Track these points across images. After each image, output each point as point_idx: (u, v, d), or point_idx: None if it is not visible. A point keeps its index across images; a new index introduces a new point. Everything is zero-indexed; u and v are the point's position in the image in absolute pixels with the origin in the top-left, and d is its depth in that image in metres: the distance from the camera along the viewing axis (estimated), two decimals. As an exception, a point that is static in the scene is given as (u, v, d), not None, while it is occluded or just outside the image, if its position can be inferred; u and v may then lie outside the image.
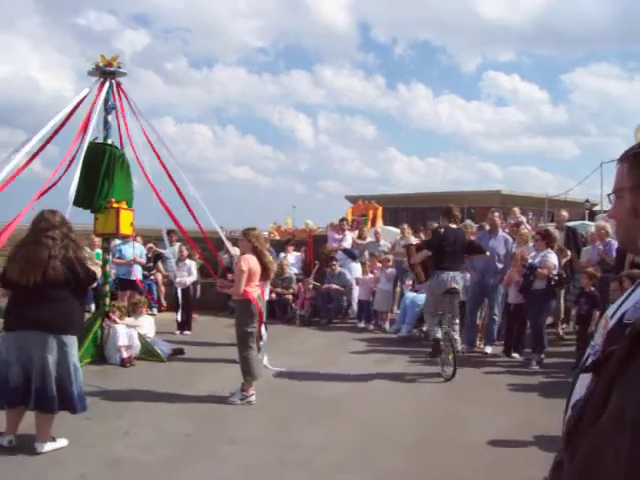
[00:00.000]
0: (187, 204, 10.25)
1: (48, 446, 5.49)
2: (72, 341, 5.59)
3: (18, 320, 5.43)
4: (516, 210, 14.52)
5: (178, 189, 10.16)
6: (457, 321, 9.28)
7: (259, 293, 7.45)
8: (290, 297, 13.78)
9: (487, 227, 11.13)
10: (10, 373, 5.39)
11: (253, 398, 7.24)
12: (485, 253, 9.69)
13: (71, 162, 8.97)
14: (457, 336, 9.10)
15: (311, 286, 13.73)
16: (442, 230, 9.29)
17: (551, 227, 13.15)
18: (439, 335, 8.98)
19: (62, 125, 9.18)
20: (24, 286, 5.34)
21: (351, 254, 14.52)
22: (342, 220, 16.42)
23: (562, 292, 11.12)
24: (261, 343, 7.83)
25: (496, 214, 10.68)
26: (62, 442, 5.63)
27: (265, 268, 7.43)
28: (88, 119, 9.17)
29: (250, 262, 7.27)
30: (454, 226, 9.45)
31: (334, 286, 13.44)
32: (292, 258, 15.02)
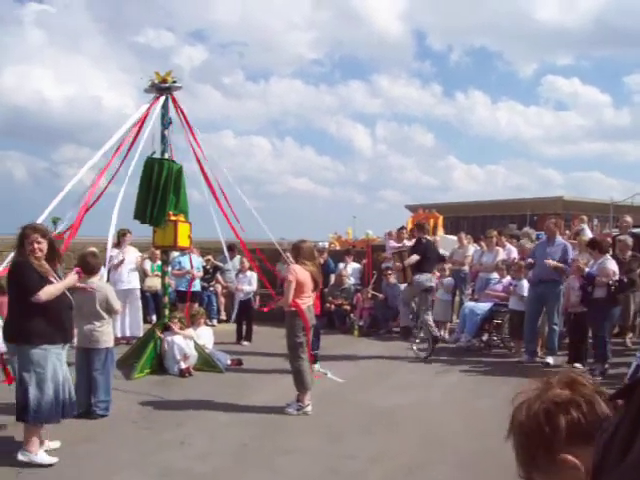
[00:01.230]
0: (226, 215, 10.34)
1: (21, 455, 5.48)
2: (17, 349, 5.56)
3: None
4: (584, 217, 14.24)
5: (228, 201, 10.27)
6: (430, 312, 11.01)
7: (310, 304, 7.45)
8: (348, 307, 13.77)
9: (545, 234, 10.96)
10: None
11: (309, 408, 7.24)
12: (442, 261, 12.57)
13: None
14: (431, 322, 10.85)
15: (369, 296, 13.68)
16: (424, 240, 11.13)
17: (616, 233, 12.82)
18: (410, 324, 11.52)
19: (125, 141, 9.39)
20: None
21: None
22: (401, 228, 16.33)
23: (633, 300, 10.84)
24: (315, 352, 7.83)
25: (552, 221, 10.49)
26: (43, 458, 5.51)
27: (312, 278, 7.43)
28: (138, 133, 9.37)
29: (298, 273, 7.29)
30: (428, 237, 11.65)
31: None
32: (351, 268, 14.99)
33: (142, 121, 9.39)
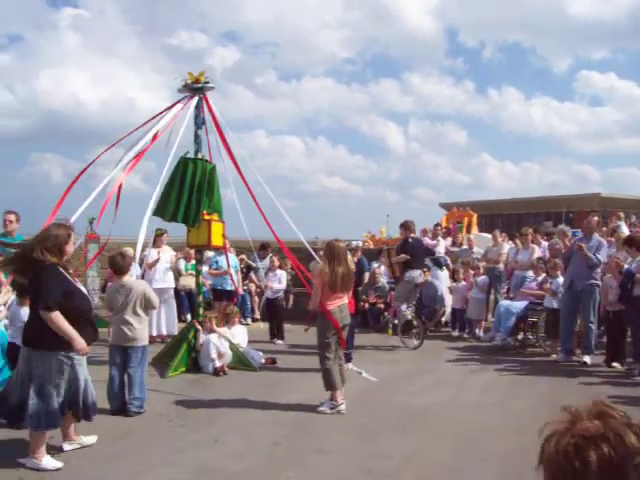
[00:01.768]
0: (264, 215, 10.37)
1: (27, 461, 5.39)
2: (34, 354, 5.37)
3: None
4: (621, 214, 14.04)
5: (256, 201, 10.28)
6: (407, 304, 11.74)
7: (340, 303, 7.43)
8: (382, 306, 13.74)
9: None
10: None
11: (343, 407, 7.23)
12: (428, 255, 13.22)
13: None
14: (405, 309, 11.67)
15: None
16: (411, 240, 11.71)
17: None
18: (410, 317, 11.69)
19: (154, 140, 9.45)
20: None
21: (437, 261, 14.32)
22: (437, 226, 16.28)
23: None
24: (349, 351, 7.81)
25: (595, 219, 10.39)
26: (49, 462, 5.40)
27: (341, 278, 7.39)
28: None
29: (326, 274, 7.26)
30: (414, 235, 12.29)
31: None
32: (384, 267, 14.93)
33: (170, 122, 9.48)
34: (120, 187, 8.92)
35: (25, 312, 6.28)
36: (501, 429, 6.68)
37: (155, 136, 9.29)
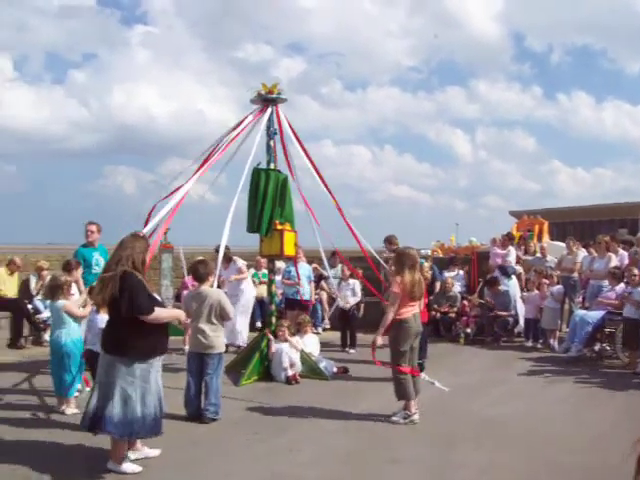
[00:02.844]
0: (349, 224, 10.44)
1: (110, 464, 5.51)
2: (117, 362, 5.45)
3: None
4: None
5: (340, 210, 10.37)
6: None
7: (415, 312, 7.40)
8: (454, 315, 13.63)
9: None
10: None
11: (416, 417, 7.19)
12: None
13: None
14: None
15: (476, 304, 13.50)
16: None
17: None
18: None
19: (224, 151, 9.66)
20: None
21: (504, 271, 14.11)
22: (507, 235, 16.07)
23: None
24: (422, 361, 7.77)
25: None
26: (128, 467, 5.53)
27: (413, 285, 7.37)
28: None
29: (403, 283, 7.25)
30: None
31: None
32: (456, 276, 14.82)
33: (239, 130, 9.65)
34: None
35: (102, 319, 6.45)
36: (579, 443, 6.51)
37: (225, 147, 9.52)
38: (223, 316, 7.23)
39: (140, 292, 5.43)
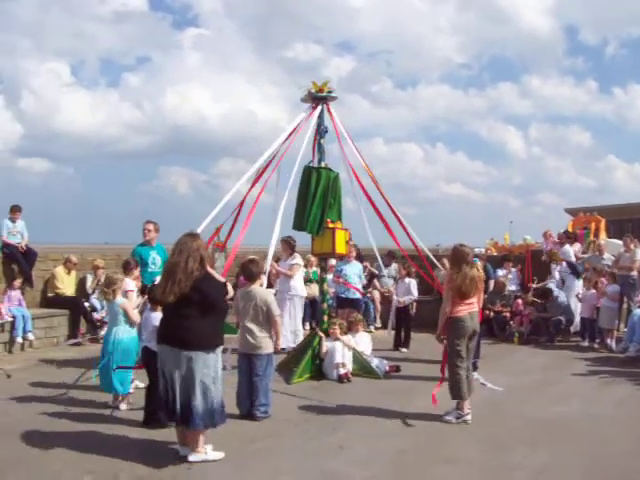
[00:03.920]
0: (402, 223, 10.40)
1: (194, 456, 5.68)
2: (199, 357, 5.61)
3: (158, 335, 5.88)
4: None
5: (392, 208, 10.34)
6: None
7: (471, 310, 7.30)
8: (508, 314, 13.43)
9: None
10: (160, 385, 5.84)
11: (469, 417, 7.10)
12: None
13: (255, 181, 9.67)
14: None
15: (530, 302, 13.27)
16: None
17: None
18: None
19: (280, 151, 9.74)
20: (166, 303, 5.70)
21: (574, 268, 13.82)
22: (564, 233, 15.80)
23: None
24: (474, 360, 7.68)
25: None
26: (214, 455, 5.76)
27: (469, 283, 7.26)
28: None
29: (456, 279, 7.16)
30: None
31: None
32: (510, 274, 14.61)
33: (294, 131, 9.71)
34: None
35: (157, 317, 6.54)
36: (636, 445, 6.36)
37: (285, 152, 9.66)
38: (268, 316, 7.21)
39: (219, 289, 5.85)
